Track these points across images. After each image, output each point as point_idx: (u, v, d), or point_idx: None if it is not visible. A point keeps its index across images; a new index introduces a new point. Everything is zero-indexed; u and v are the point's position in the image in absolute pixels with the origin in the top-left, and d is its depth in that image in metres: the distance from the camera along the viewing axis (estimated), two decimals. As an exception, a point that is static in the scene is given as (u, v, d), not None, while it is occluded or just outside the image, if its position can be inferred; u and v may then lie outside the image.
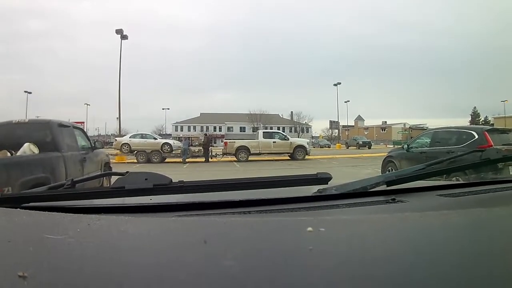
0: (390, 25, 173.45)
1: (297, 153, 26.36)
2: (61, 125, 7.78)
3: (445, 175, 1.70)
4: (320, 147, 64.59)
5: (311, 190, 1.54)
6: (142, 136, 27.46)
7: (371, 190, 1.55)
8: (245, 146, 26.28)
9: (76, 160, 7.73)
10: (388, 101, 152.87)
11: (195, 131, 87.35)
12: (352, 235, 0.88)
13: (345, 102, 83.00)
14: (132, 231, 0.89)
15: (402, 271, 0.64)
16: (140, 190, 1.28)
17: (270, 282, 0.60)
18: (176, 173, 14.02)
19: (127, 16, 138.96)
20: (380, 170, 12.78)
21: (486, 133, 9.63)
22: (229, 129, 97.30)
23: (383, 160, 13.28)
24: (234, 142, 27.50)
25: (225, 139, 30.87)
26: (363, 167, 15.79)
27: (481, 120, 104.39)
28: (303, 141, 28.81)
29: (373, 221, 1.05)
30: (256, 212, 1.30)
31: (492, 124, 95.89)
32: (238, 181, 1.49)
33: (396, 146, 25.14)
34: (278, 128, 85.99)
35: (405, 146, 12.60)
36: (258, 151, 26.20)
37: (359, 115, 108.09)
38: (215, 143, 38.42)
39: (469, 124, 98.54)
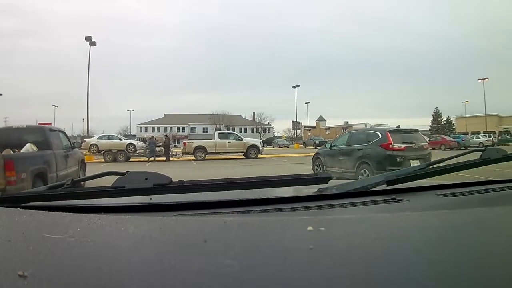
0: (353, 25, 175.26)
1: (250, 152, 28.44)
2: (51, 130, 10.37)
3: (444, 175, 1.73)
4: (279, 147, 66.68)
5: (311, 189, 1.54)
6: (109, 137, 29.58)
7: (371, 189, 1.55)
8: (202, 146, 28.27)
9: (62, 156, 9.91)
10: (351, 102, 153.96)
11: (159, 131, 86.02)
12: (352, 234, 0.88)
13: (306, 103, 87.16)
14: (132, 231, 0.89)
15: (402, 270, 0.64)
16: (140, 190, 1.28)
17: (270, 281, 0.60)
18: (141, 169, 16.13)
19: (95, 16, 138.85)
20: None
21: (388, 133, 11.49)
22: (192, 130, 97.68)
23: (313, 157, 15.16)
24: (193, 142, 29.65)
25: (184, 140, 33.04)
26: (306, 164, 16.50)
27: (443, 120, 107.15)
28: (256, 141, 31.23)
29: (373, 221, 1.05)
30: (256, 211, 1.31)
31: (453, 124, 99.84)
32: (238, 181, 1.49)
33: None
34: (240, 129, 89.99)
35: (328, 144, 14.60)
36: (214, 151, 28.04)
37: (320, 116, 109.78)
38: (178, 143, 38.95)
39: (430, 124, 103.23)
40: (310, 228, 0.82)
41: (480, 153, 1.77)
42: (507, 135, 63.10)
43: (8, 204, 1.22)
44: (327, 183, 1.51)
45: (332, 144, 13.86)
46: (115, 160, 26.73)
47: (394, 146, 11.08)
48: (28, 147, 8.88)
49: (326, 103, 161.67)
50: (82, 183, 1.69)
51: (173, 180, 1.32)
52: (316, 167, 14.17)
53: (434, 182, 1.84)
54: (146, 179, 1.28)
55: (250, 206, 1.36)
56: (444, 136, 51.94)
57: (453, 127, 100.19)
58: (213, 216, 1.23)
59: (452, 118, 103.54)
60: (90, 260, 0.69)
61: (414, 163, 9.87)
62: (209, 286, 0.59)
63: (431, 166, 1.76)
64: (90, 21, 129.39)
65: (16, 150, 8.84)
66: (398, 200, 1.45)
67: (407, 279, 0.61)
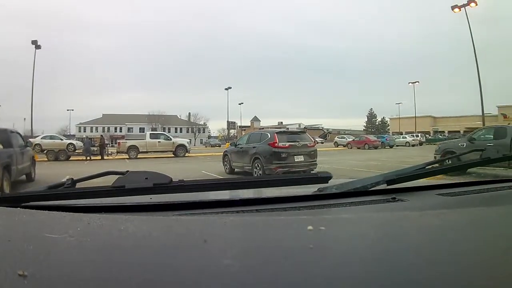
0: (289, 25, 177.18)
1: (179, 151, 30.88)
2: (11, 131, 12.78)
3: (444, 174, 1.77)
4: (211, 146, 68.90)
5: (311, 189, 1.54)
6: (51, 137, 31.90)
7: (371, 189, 1.55)
8: (135, 145, 30.83)
9: (19, 153, 12.21)
10: (286, 102, 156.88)
11: (97, 131, 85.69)
12: (352, 233, 0.88)
13: (239, 104, 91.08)
14: (132, 230, 0.88)
15: (402, 269, 0.64)
16: (140, 189, 1.27)
17: (271, 281, 0.60)
18: (79, 168, 19.56)
19: (32, 13, 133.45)
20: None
21: (276, 134, 13.81)
22: (129, 130, 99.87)
23: (223, 154, 17.55)
24: (126, 142, 32.45)
25: (119, 140, 35.47)
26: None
27: (377, 121, 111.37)
28: (183, 140, 33.58)
29: (373, 220, 1.05)
30: (256, 211, 1.30)
31: (387, 124, 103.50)
32: (238, 180, 1.49)
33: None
34: (176, 129, 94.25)
35: (233, 143, 17.40)
36: (146, 150, 30.48)
37: (255, 116, 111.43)
38: (115, 143, 39.86)
39: (364, 124, 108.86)
40: (310, 227, 0.82)
41: (480, 152, 1.78)
42: (440, 134, 65.96)
43: (8, 204, 1.21)
44: (327, 182, 1.50)
45: (236, 143, 16.55)
46: (56, 159, 28.58)
47: (279, 145, 13.27)
48: None
49: (261, 103, 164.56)
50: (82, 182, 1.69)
51: (173, 180, 1.31)
52: (225, 162, 16.69)
53: (434, 182, 1.83)
54: (146, 178, 1.28)
55: (250, 205, 1.36)
56: (368, 136, 54.54)
57: (388, 127, 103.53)
58: (213, 216, 1.22)
59: (387, 119, 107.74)
60: (90, 259, 0.69)
61: (298, 158, 13.17)
62: (209, 286, 0.59)
63: (430, 166, 1.77)
64: (26, 18, 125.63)
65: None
66: (398, 200, 1.45)
67: (407, 278, 0.61)
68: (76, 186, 1.34)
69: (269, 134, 14.14)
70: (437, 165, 1.87)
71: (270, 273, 0.62)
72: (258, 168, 13.52)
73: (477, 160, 1.76)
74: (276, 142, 13.31)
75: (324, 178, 1.47)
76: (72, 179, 1.35)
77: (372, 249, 0.75)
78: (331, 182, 1.52)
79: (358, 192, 1.53)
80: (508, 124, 19.22)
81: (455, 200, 1.51)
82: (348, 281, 0.60)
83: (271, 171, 12.83)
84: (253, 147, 14.13)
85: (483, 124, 25.43)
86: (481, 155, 1.75)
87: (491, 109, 72.38)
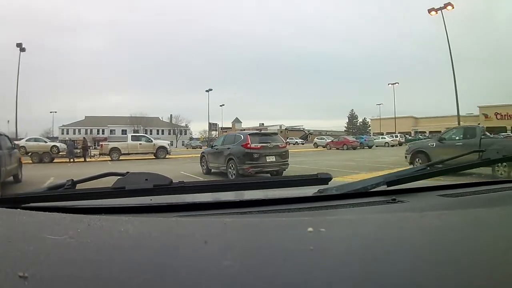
0: (272, 26, 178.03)
1: (159, 153, 31.80)
2: (0, 134, 13.29)
3: (445, 175, 1.74)
4: (193, 148, 70.02)
5: (312, 190, 1.53)
6: (36, 139, 32.61)
7: (371, 190, 1.54)
8: (117, 147, 31.53)
9: (8, 155, 12.73)
10: (268, 104, 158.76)
11: (80, 134, 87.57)
12: (352, 235, 0.88)
13: (220, 106, 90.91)
14: (132, 232, 0.88)
15: (403, 271, 0.64)
16: (141, 191, 1.28)
17: (271, 282, 0.60)
18: (63, 169, 21.25)
19: (22, 12, 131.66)
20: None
21: (248, 136, 14.44)
22: (111, 132, 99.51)
23: (200, 155, 18.50)
24: (108, 144, 33.24)
25: (102, 142, 36.69)
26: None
27: (359, 121, 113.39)
28: (164, 142, 34.65)
29: (373, 221, 1.05)
30: (256, 212, 1.30)
31: (369, 125, 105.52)
32: (238, 182, 1.51)
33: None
34: (158, 131, 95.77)
35: (210, 144, 18.55)
36: (128, 152, 31.21)
37: (236, 118, 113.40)
38: (97, 145, 41.05)
39: (346, 125, 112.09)
40: (310, 229, 0.82)
41: (481, 153, 1.80)
42: (420, 135, 66.60)
43: (8, 205, 1.21)
44: (327, 183, 1.51)
45: (213, 145, 17.54)
46: (41, 161, 28.94)
47: (251, 146, 13.90)
48: None
49: (243, 105, 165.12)
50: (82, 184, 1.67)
51: (173, 181, 1.32)
52: (202, 163, 17.46)
53: (434, 183, 1.84)
54: (146, 180, 1.28)
55: (250, 207, 1.36)
56: (346, 137, 56.19)
57: (369, 128, 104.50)
58: (214, 217, 1.22)
59: (368, 120, 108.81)
60: (91, 261, 0.69)
61: (269, 159, 13.88)
62: (209, 287, 0.59)
63: (431, 167, 1.77)
64: (9, 19, 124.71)
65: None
66: (398, 201, 1.45)
67: (408, 280, 0.61)
68: (76, 188, 1.34)
69: (242, 136, 14.85)
70: (437, 166, 1.85)
71: (270, 274, 0.63)
72: (232, 168, 14.14)
73: (478, 161, 1.77)
74: (249, 144, 13.97)
75: (324, 179, 1.47)
76: (72, 180, 1.35)
77: (373, 251, 0.75)
78: (331, 183, 1.52)
79: (358, 194, 1.53)
80: (479, 124, 20.06)
81: (455, 201, 1.51)
82: (348, 283, 0.60)
83: (244, 171, 13.43)
84: (228, 148, 14.79)
85: (459, 124, 26.04)
86: (481, 156, 1.77)
87: (473, 109, 74.05)
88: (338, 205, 1.40)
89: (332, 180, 1.51)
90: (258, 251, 0.75)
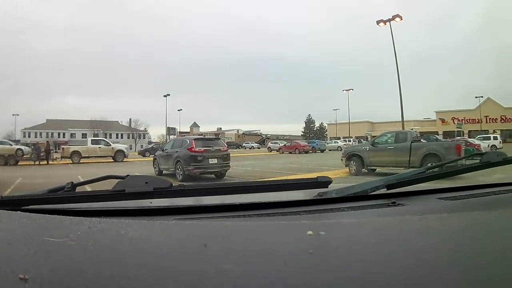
0: (230, 31, 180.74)
1: (117, 156, 33.81)
2: None
3: (445, 179, 1.71)
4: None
5: (311, 193, 1.54)
6: (1, 142, 33.18)
7: (371, 193, 1.54)
8: (77, 151, 33.55)
9: None
10: (226, 108, 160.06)
11: (41, 137, 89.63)
12: (352, 238, 0.88)
13: (178, 110, 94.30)
14: (132, 235, 0.88)
15: (403, 274, 0.64)
16: (141, 194, 1.27)
17: (270, 286, 0.60)
18: (30, 171, 22.00)
19: None
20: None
21: (193, 140, 16.16)
22: (72, 135, 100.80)
23: (153, 158, 20.07)
24: (69, 147, 35.39)
25: (62, 146, 38.35)
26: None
27: (316, 126, 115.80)
28: (122, 146, 36.68)
29: (373, 225, 1.04)
30: (256, 215, 1.31)
31: (325, 130, 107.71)
32: (238, 185, 1.49)
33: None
34: (117, 135, 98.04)
35: (161, 148, 20.04)
36: (88, 155, 33.09)
37: (194, 122, 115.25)
38: (59, 148, 40.79)
39: (303, 129, 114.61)
40: (310, 232, 0.82)
41: (481, 156, 1.79)
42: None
43: (8, 207, 1.21)
44: (327, 187, 1.50)
45: (163, 148, 18.99)
46: (6, 163, 29.84)
47: (195, 149, 15.39)
48: None
49: (201, 110, 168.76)
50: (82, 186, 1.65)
51: (173, 184, 1.31)
52: (155, 166, 18.78)
53: (434, 186, 1.84)
54: (146, 182, 1.28)
55: (250, 210, 1.36)
56: (298, 141, 58.63)
57: (326, 133, 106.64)
58: (213, 220, 1.23)
59: (325, 124, 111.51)
60: (91, 263, 0.69)
61: (212, 161, 15.44)
62: None
63: (431, 170, 1.78)
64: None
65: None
66: (398, 204, 1.45)
67: (408, 283, 0.61)
68: (76, 190, 1.35)
69: (188, 140, 16.44)
70: (437, 169, 1.86)
71: (270, 278, 0.63)
72: (179, 170, 15.55)
73: (478, 164, 1.77)
74: (193, 147, 15.47)
75: (324, 182, 1.46)
76: (72, 182, 1.36)
77: (373, 254, 0.75)
78: (331, 186, 1.52)
79: (358, 197, 1.53)
80: (412, 129, 21.12)
81: (456, 204, 1.52)
82: (348, 286, 0.61)
83: (190, 172, 14.91)
84: (176, 152, 16.33)
85: (403, 129, 26.60)
86: (481, 159, 1.77)
87: (430, 114, 76.30)
88: (338, 208, 1.40)
89: (332, 183, 1.50)
90: (258, 255, 0.75)
